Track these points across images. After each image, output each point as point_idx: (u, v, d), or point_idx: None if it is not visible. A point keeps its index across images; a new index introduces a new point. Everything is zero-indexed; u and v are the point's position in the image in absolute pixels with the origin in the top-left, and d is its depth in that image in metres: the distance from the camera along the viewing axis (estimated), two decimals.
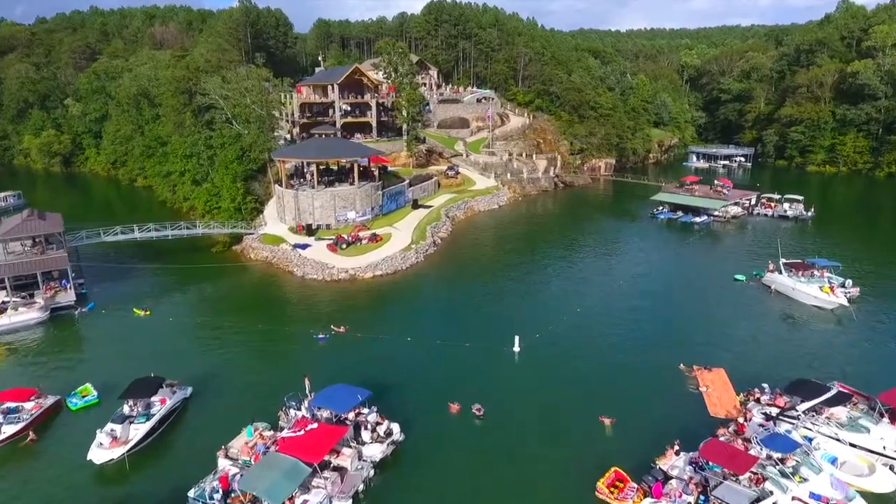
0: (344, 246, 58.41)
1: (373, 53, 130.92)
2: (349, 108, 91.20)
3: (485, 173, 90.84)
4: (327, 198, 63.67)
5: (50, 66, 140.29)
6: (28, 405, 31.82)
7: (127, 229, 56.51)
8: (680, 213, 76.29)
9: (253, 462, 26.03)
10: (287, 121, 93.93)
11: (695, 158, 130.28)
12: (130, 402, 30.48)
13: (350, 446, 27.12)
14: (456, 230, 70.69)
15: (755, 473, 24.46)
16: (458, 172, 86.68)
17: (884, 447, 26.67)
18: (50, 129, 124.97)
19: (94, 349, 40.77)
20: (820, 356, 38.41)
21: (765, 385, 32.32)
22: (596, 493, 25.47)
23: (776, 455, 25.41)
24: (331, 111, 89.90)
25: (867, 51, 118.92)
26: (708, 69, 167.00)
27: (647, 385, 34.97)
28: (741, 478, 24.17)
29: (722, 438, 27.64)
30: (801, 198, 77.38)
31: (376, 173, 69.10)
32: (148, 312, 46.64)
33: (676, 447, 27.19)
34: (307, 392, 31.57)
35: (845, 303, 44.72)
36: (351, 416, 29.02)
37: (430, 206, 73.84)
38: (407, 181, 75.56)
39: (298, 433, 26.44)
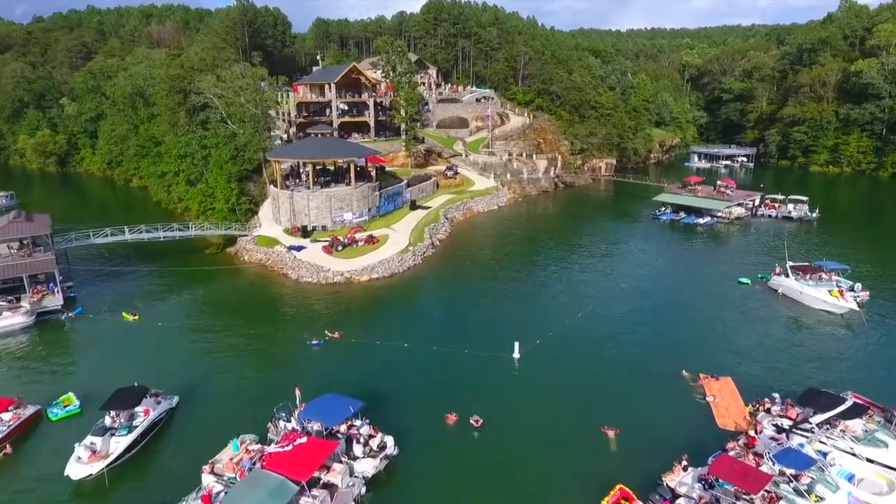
0: (340, 248, 57.08)
1: (372, 53, 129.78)
2: (346, 108, 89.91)
3: (484, 174, 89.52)
4: (323, 199, 62.32)
5: (46, 65, 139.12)
6: (6, 416, 30.48)
7: (117, 231, 55.14)
8: (682, 215, 74.97)
9: (238, 479, 24.69)
10: (283, 120, 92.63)
11: (696, 159, 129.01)
12: (112, 414, 29.10)
13: (341, 461, 25.79)
14: (455, 232, 69.36)
15: (768, 492, 23.13)
16: (456, 173, 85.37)
17: None
18: (45, 129, 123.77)
19: (80, 356, 39.45)
20: (831, 363, 37.08)
21: (775, 395, 30.99)
22: None
23: (790, 471, 24.10)
24: (328, 110, 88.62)
25: (871, 50, 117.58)
26: (709, 69, 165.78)
27: (652, 394, 33.66)
28: (754, 497, 22.84)
29: (732, 453, 26.33)
30: (805, 199, 76.08)
31: (373, 174, 67.76)
32: (137, 317, 45.30)
33: (684, 462, 25.87)
34: (298, 402, 30.22)
35: (855, 307, 43.39)
36: (343, 428, 27.67)
37: (428, 207, 72.52)
38: (405, 182, 74.25)
39: (286, 448, 25.10)
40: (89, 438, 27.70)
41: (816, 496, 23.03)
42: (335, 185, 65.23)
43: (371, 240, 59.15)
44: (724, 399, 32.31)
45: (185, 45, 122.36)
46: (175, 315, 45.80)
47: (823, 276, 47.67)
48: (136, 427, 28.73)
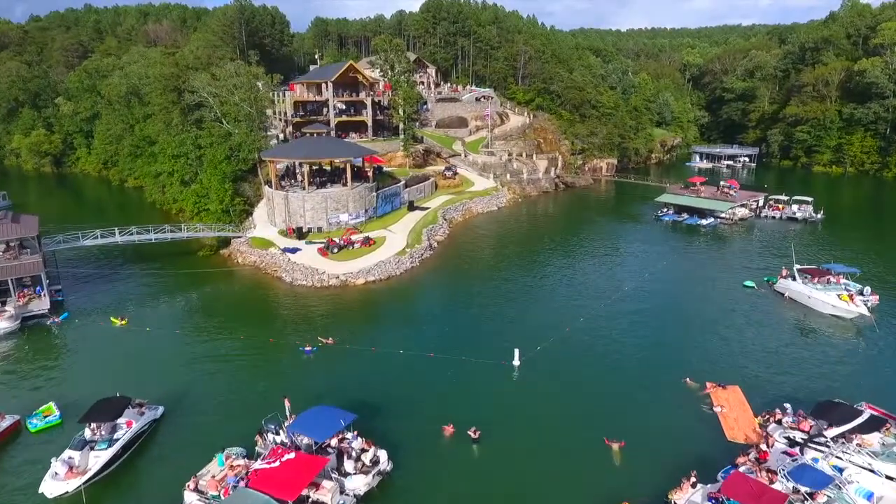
0: (335, 250, 55.77)
1: (371, 52, 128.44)
2: (344, 107, 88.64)
3: (484, 174, 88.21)
4: (319, 199, 61.00)
5: (42, 64, 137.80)
6: None
7: (107, 233, 53.76)
8: (685, 216, 73.68)
9: (222, 497, 23.37)
10: (280, 119, 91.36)
11: (698, 159, 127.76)
12: (92, 426, 27.75)
13: (331, 478, 24.46)
14: (453, 233, 68.04)
15: None
16: (455, 173, 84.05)
17: None
18: (40, 129, 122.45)
19: (63, 363, 38.10)
20: (842, 371, 35.74)
21: (786, 405, 29.63)
22: None
23: (804, 489, 22.79)
24: (325, 110, 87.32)
25: (875, 49, 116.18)
26: (710, 68, 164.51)
27: (657, 403, 32.34)
28: None
29: (742, 469, 24.98)
30: (810, 199, 74.81)
31: (370, 174, 66.43)
32: (125, 322, 43.97)
33: (693, 479, 24.53)
34: (287, 414, 28.92)
35: (865, 312, 42.04)
36: (333, 442, 26.34)
37: (426, 208, 71.23)
38: (403, 182, 72.92)
39: (273, 464, 23.78)
40: (67, 453, 26.37)
41: None
42: (331, 185, 63.93)
43: (367, 242, 57.83)
44: (732, 409, 30.99)
45: (182, 44, 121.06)
46: (164, 320, 44.45)
47: (832, 279, 46.39)
48: (118, 440, 27.37)
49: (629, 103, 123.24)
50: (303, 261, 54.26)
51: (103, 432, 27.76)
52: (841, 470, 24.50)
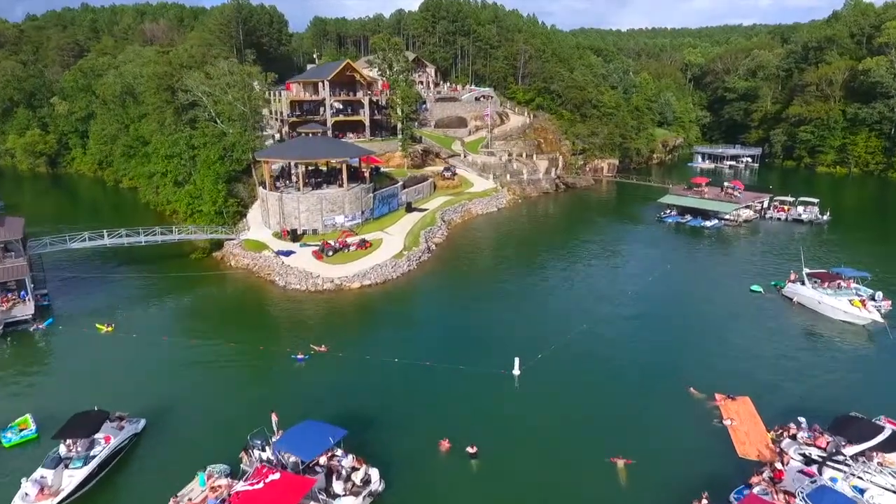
0: (330, 253, 54.27)
1: (370, 51, 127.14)
2: (341, 106, 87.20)
3: (483, 174, 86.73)
4: (314, 201, 59.51)
5: (38, 63, 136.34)
6: None
7: (96, 235, 52.29)
8: (688, 217, 72.24)
9: None
10: (276, 119, 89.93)
11: (700, 159, 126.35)
12: (68, 443, 26.23)
13: (319, 500, 22.96)
14: (452, 235, 66.55)
15: None
16: (454, 174, 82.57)
17: None
18: (35, 129, 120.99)
19: (44, 372, 36.57)
20: (856, 381, 34.24)
21: (801, 419, 28.11)
22: None
23: None
24: (322, 109, 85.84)
25: (879, 48, 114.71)
26: (712, 68, 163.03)
27: (663, 416, 30.85)
28: None
29: (757, 489, 23.51)
30: (816, 201, 73.38)
31: (367, 175, 64.94)
32: (111, 328, 42.44)
33: (705, 501, 23.02)
34: (274, 429, 27.41)
35: (878, 318, 40.56)
36: (322, 460, 24.83)
37: (424, 210, 69.74)
38: (400, 183, 71.43)
39: (256, 486, 22.28)
40: (39, 472, 24.87)
41: None
42: (327, 186, 62.46)
43: (363, 244, 56.31)
44: (743, 423, 29.47)
45: (178, 43, 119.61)
46: (152, 326, 42.92)
47: (842, 283, 44.87)
48: (94, 458, 25.85)
49: (630, 103, 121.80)
50: (297, 264, 52.75)
51: (79, 449, 26.24)
52: (862, 491, 23.02)
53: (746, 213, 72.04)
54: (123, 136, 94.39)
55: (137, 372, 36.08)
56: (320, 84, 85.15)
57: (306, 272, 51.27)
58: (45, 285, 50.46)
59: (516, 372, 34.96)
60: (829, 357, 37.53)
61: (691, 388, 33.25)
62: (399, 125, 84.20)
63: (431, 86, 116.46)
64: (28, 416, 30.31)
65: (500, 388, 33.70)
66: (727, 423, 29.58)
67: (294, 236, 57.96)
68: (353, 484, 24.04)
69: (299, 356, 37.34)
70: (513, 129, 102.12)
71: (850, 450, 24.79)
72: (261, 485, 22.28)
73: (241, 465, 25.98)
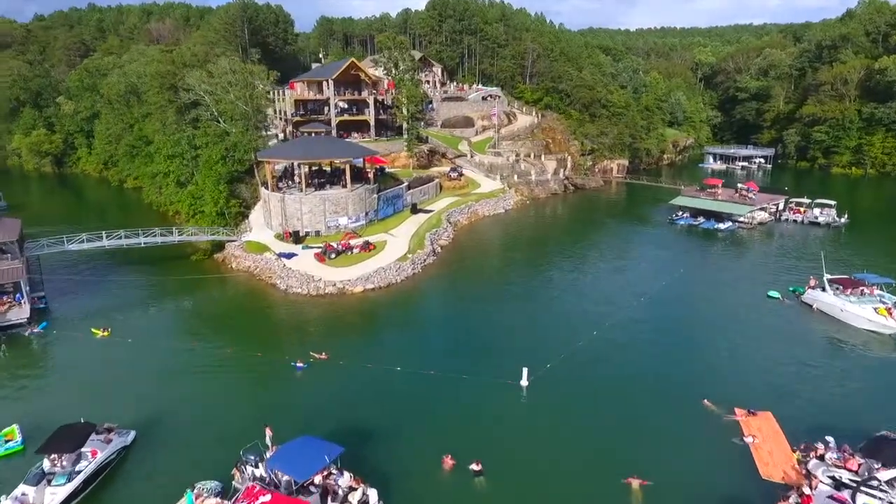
0: (333, 255, 52.89)
1: (376, 51, 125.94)
2: (346, 106, 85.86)
3: (490, 175, 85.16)
4: (316, 202, 58.17)
5: (44, 63, 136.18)
6: None
7: (94, 237, 51.25)
8: (701, 219, 70.37)
9: None
10: (280, 118, 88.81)
11: (711, 160, 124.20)
12: (53, 457, 24.94)
13: None
14: (458, 237, 65.03)
15: None
16: (461, 174, 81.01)
17: None
18: (41, 129, 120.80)
19: (34, 379, 35.33)
20: (886, 396, 32.28)
21: (829, 439, 26.34)
22: None
23: None
24: (326, 109, 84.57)
25: None
26: (723, 67, 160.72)
27: (680, 431, 29.18)
28: None
29: None
30: (833, 203, 71.27)
31: (371, 175, 63.53)
32: (107, 333, 41.28)
33: None
34: (269, 444, 26.02)
35: None
36: (318, 479, 23.38)
37: (430, 211, 68.26)
38: (406, 183, 69.96)
39: None
40: (20, 488, 23.62)
41: None
42: (331, 187, 61.12)
43: (367, 246, 54.89)
44: (765, 441, 27.74)
45: (184, 43, 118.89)
46: (149, 331, 41.67)
47: (865, 290, 42.94)
48: (79, 473, 24.55)
49: (640, 103, 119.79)
50: (298, 267, 51.42)
51: (64, 464, 24.96)
52: None
53: (761, 216, 70.04)
54: (127, 136, 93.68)
55: (131, 379, 34.81)
56: (325, 83, 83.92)
57: (308, 275, 49.92)
58: (43, 288, 49.41)
59: (524, 382, 33.38)
60: (856, 369, 35.62)
61: (706, 401, 31.61)
62: (405, 125, 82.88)
63: (438, 85, 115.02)
64: (15, 426, 29.10)
65: (506, 400, 32.13)
66: (748, 440, 27.87)
67: (296, 238, 56.66)
68: None
69: (299, 364, 35.97)
70: (520, 129, 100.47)
71: (885, 474, 23.04)
72: None
73: (234, 483, 24.60)
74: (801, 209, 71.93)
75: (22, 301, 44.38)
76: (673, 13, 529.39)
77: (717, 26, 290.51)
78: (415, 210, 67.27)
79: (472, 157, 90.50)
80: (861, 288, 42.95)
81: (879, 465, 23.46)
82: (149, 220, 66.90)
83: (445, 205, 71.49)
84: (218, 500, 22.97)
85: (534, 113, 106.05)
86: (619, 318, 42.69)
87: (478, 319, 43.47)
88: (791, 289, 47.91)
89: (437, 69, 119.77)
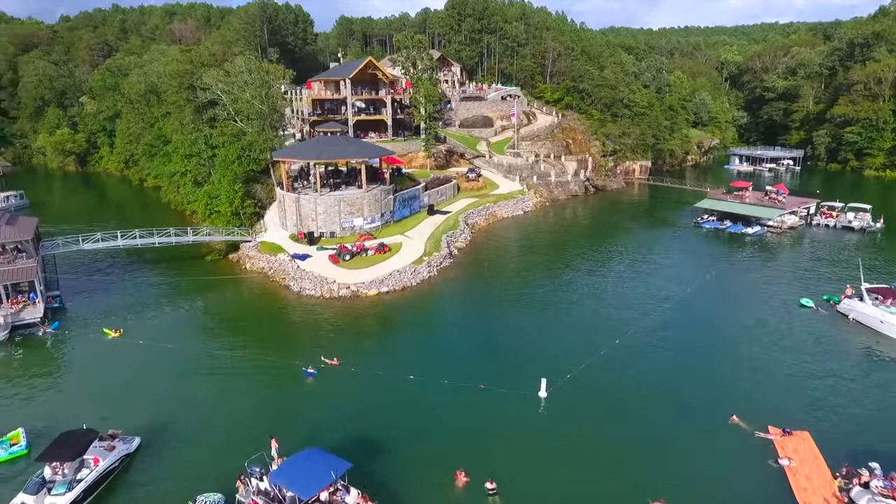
0: (347, 257, 51.92)
1: (395, 50, 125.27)
2: (363, 105, 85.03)
3: (509, 176, 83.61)
4: (332, 202, 57.29)
5: (69, 63, 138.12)
6: None
7: (109, 236, 51.05)
8: (728, 223, 67.91)
9: None
10: (298, 118, 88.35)
11: (737, 161, 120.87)
12: (54, 464, 24.20)
13: None
14: (475, 239, 63.64)
15: None
16: (479, 175, 79.65)
17: None
18: (65, 128, 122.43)
19: (44, 380, 34.82)
20: None
21: (874, 465, 24.39)
22: None
23: None
24: (343, 108, 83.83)
25: None
26: (750, 66, 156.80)
27: (708, 450, 27.44)
28: None
29: None
30: (868, 207, 68.28)
31: (388, 176, 62.48)
32: (119, 333, 40.80)
33: None
34: (274, 455, 24.97)
35: None
36: (324, 496, 22.23)
37: (447, 212, 67.00)
38: (423, 184, 68.80)
39: None
40: (20, 497, 22.95)
41: None
42: (347, 187, 60.23)
43: (382, 248, 53.83)
44: (803, 464, 25.86)
45: (204, 42, 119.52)
46: (160, 332, 41.04)
47: None
48: (80, 482, 23.79)
49: (664, 102, 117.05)
50: (312, 268, 50.56)
51: (66, 471, 24.21)
52: None
53: (791, 220, 67.32)
54: (147, 135, 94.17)
55: (139, 382, 34.16)
56: (342, 82, 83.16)
57: (321, 277, 49.00)
58: (58, 287, 49.35)
59: (542, 394, 31.90)
60: None
61: (735, 417, 29.81)
62: (422, 125, 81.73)
63: (457, 85, 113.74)
64: (20, 429, 28.53)
65: (523, 413, 30.66)
66: (784, 463, 26.02)
67: (311, 239, 55.83)
68: None
69: (309, 370, 34.94)
70: (540, 129, 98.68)
71: None
72: None
73: (237, 496, 23.61)
74: (834, 213, 69.06)
75: (36, 300, 44.30)
76: (696, 12, 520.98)
77: (742, 25, 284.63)
78: (431, 211, 66.10)
79: (490, 157, 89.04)
80: None
81: None
82: (167, 218, 66.92)
83: (463, 206, 70.18)
84: None
85: (554, 113, 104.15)
86: (643, 326, 40.92)
87: (494, 326, 42.05)
88: (825, 297, 45.58)
89: (456, 68, 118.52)
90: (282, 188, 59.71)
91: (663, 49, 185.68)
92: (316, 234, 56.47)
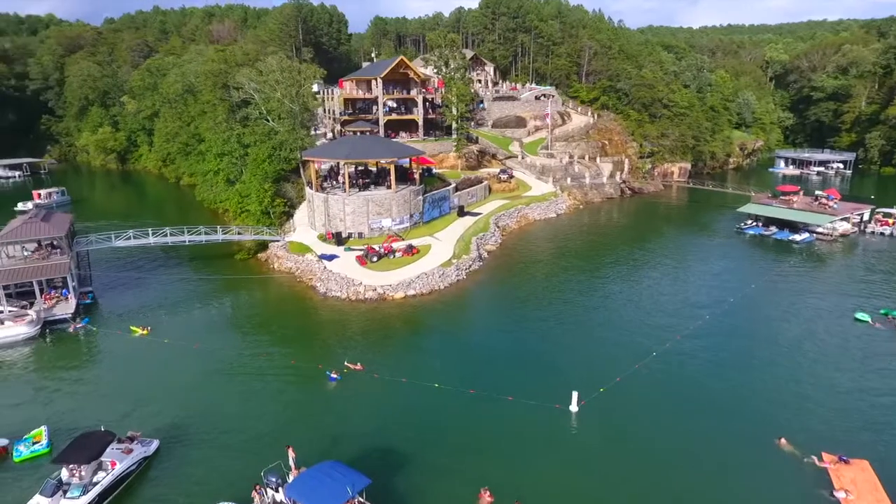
0: (374, 259, 51.04)
1: (427, 50, 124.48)
2: (394, 105, 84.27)
3: (542, 177, 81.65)
4: (360, 203, 56.55)
5: (112, 64, 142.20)
6: None
7: (140, 233, 51.44)
8: (773, 229, 64.47)
9: None
10: (329, 117, 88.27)
11: (782, 164, 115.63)
12: (71, 466, 23.82)
13: None
14: (506, 242, 62.04)
15: None
16: (511, 176, 77.97)
17: None
18: (107, 126, 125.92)
19: (68, 378, 34.83)
20: None
21: None
22: None
23: None
24: (374, 108, 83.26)
25: None
26: (797, 65, 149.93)
27: (755, 478, 25.30)
28: None
29: None
30: None
31: (417, 176, 61.44)
32: (146, 331, 40.79)
33: None
34: (291, 465, 24.04)
35: None
36: None
37: (477, 214, 65.60)
38: (453, 185, 67.53)
39: None
40: (35, 499, 22.60)
41: None
42: (376, 187, 59.44)
43: (410, 250, 52.77)
44: (861, 496, 23.53)
45: (239, 42, 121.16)
46: (186, 331, 40.85)
47: None
48: (95, 485, 23.33)
49: (705, 102, 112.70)
50: (339, 269, 49.85)
51: (83, 474, 23.79)
52: None
53: (843, 227, 63.43)
54: (183, 134, 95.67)
55: (162, 382, 33.85)
56: (373, 81, 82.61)
57: (348, 279, 48.22)
58: (91, 283, 50.01)
59: (574, 408, 30.18)
60: None
61: (783, 440, 27.57)
62: (454, 124, 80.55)
63: (489, 84, 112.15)
64: (43, 428, 28.44)
65: (553, 427, 29.01)
66: (840, 495, 23.72)
67: (339, 240, 55.19)
68: None
69: (332, 375, 34.04)
70: (575, 129, 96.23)
71: None
72: None
73: None
74: (890, 220, 64.80)
75: (69, 296, 44.83)
76: (738, 11, 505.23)
77: (788, 23, 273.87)
78: (462, 213, 64.80)
79: (523, 158, 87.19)
80: None
81: None
82: (201, 216, 67.52)
83: (494, 208, 68.67)
84: None
85: (589, 113, 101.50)
86: (681, 338, 38.69)
87: (524, 333, 40.42)
88: (882, 311, 42.39)
89: (489, 68, 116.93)
90: (311, 188, 59.32)
91: (705, 48, 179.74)
92: (344, 235, 55.82)
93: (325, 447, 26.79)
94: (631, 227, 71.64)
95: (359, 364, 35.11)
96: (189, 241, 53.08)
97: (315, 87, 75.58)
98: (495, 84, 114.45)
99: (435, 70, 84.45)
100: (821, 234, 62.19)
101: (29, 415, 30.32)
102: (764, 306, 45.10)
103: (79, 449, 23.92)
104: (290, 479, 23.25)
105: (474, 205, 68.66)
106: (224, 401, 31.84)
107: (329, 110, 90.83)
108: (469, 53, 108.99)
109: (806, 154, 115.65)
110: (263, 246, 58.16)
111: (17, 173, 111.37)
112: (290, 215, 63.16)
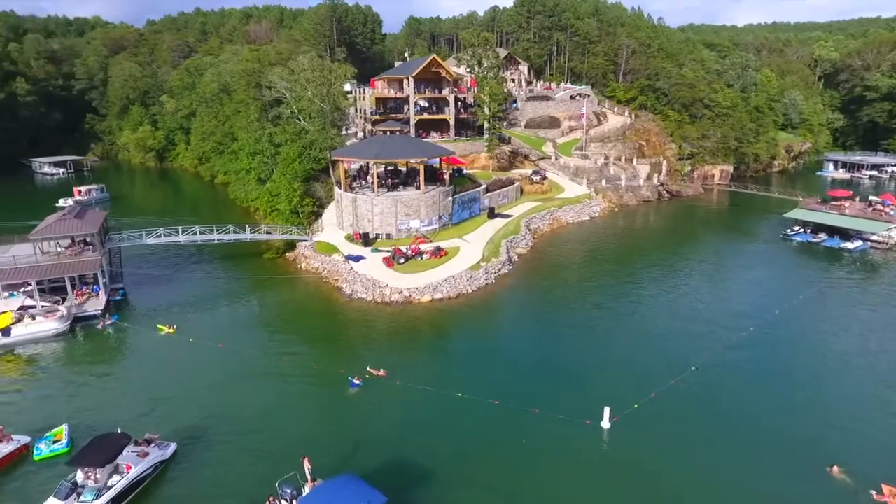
0: (402, 260, 50.08)
1: (461, 49, 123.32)
2: (426, 104, 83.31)
3: (576, 179, 79.42)
4: (388, 203, 55.71)
5: (152, 64, 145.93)
6: None
7: (171, 231, 51.77)
8: (823, 236, 60.85)
9: None
10: (361, 117, 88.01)
11: (832, 167, 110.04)
12: (86, 469, 23.47)
13: None
14: (537, 245, 60.29)
15: None
16: (544, 178, 76.05)
17: None
18: (147, 125, 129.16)
19: (93, 376, 34.88)
20: None
21: None
22: None
23: None
24: (406, 107, 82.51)
25: None
26: (848, 63, 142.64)
27: None
28: None
29: None
30: None
31: (447, 177, 60.26)
32: (172, 330, 40.76)
33: None
34: (307, 477, 23.14)
35: None
36: None
37: (508, 216, 64.02)
38: (484, 186, 66.09)
39: None
40: (50, 501, 22.31)
41: None
42: (405, 188, 58.53)
43: (438, 252, 51.63)
44: None
45: (274, 42, 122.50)
46: (211, 331, 40.64)
47: None
48: (110, 489, 22.90)
49: (749, 103, 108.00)
50: (365, 271, 49.06)
51: (98, 477, 23.42)
52: None
53: None
54: (218, 133, 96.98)
55: (184, 382, 33.57)
56: (405, 81, 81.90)
57: (374, 281, 47.38)
58: (122, 280, 50.53)
59: (605, 425, 28.45)
60: None
61: (835, 468, 25.29)
62: (486, 124, 79.12)
63: (523, 84, 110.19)
64: (64, 427, 28.35)
65: (583, 445, 27.35)
66: None
67: (366, 240, 54.47)
68: None
69: (354, 381, 33.11)
70: (611, 130, 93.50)
71: None
72: None
73: None
74: None
75: (99, 292, 45.28)
76: (783, 9, 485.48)
77: (837, 20, 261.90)
78: (492, 214, 63.33)
79: (556, 159, 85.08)
80: None
81: None
82: (233, 215, 67.97)
83: (525, 210, 66.95)
84: None
85: (626, 113, 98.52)
86: (723, 351, 36.39)
87: (554, 342, 38.75)
88: None
89: (524, 67, 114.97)
90: (340, 187, 58.82)
91: (749, 46, 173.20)
92: (371, 236, 55.08)
93: (343, 456, 25.87)
94: (668, 231, 68.84)
95: (381, 370, 34.11)
96: (217, 240, 53.21)
97: (347, 87, 75.26)
98: (529, 83, 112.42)
99: (467, 69, 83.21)
100: (876, 242, 58.33)
101: (52, 411, 30.38)
102: (813, 318, 42.26)
103: (94, 451, 23.58)
104: (306, 490, 22.35)
105: (505, 206, 67.09)
106: (244, 403, 31.28)
107: (361, 109, 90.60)
108: (503, 52, 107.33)
109: (858, 157, 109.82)
110: (292, 245, 57.95)
111: (61, 170, 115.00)
112: (318, 215, 62.86)
